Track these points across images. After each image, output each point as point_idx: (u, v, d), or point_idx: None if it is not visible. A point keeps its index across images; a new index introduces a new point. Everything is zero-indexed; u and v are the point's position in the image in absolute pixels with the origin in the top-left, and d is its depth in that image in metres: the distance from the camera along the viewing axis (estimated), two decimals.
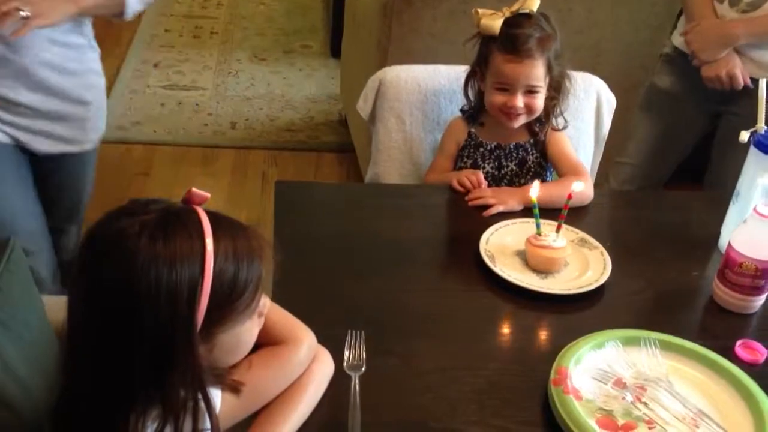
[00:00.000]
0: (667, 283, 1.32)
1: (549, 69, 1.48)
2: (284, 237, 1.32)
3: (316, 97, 3.56)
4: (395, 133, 1.74)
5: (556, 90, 1.52)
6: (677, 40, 1.96)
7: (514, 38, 1.46)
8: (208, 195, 0.90)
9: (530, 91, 1.48)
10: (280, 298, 1.16)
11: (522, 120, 1.52)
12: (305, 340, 0.99)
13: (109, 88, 3.44)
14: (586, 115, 1.80)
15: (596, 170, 1.88)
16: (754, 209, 1.18)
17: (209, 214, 0.86)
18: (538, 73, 1.47)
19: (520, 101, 1.48)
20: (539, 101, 1.50)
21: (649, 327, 1.17)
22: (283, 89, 3.61)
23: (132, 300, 0.78)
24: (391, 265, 1.30)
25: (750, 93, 1.83)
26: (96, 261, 0.81)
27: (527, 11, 1.54)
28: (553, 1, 2.43)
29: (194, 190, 0.89)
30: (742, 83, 1.80)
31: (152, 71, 3.65)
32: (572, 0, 2.44)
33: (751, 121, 1.85)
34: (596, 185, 1.94)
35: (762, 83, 1.36)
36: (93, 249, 0.82)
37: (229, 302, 0.85)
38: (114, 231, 0.81)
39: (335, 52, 3.72)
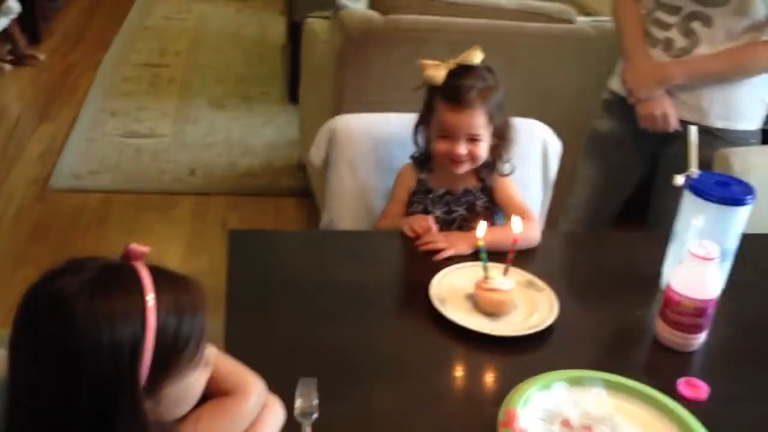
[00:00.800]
0: (613, 323, 1.36)
1: (490, 118, 1.54)
2: (237, 286, 1.34)
3: (275, 142, 3.60)
4: (348, 180, 1.78)
5: (500, 138, 1.58)
6: (615, 84, 2.04)
7: (456, 89, 1.52)
8: (147, 249, 0.90)
9: (472, 139, 1.54)
10: (232, 346, 1.18)
11: (466, 167, 1.57)
12: (254, 388, 0.99)
13: (65, 138, 3.44)
14: (533, 160, 1.86)
15: (546, 213, 1.94)
16: (689, 250, 1.23)
17: (150, 268, 0.87)
18: (478, 122, 1.53)
19: (462, 149, 1.54)
20: (482, 149, 1.55)
21: (595, 366, 1.20)
22: (242, 135, 3.65)
23: (73, 359, 0.79)
24: (344, 311, 1.31)
25: (682, 136, 1.91)
26: (34, 320, 0.82)
27: (471, 63, 1.61)
28: (501, 50, 2.52)
29: (132, 245, 0.89)
30: (673, 125, 1.88)
31: (110, 120, 3.66)
32: (519, 48, 2.53)
33: (684, 164, 1.94)
34: (549, 227, 2.01)
35: (692, 130, 1.43)
36: (32, 308, 0.83)
37: (173, 356, 0.85)
38: (53, 290, 0.82)
39: (294, 98, 3.77)
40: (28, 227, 2.81)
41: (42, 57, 4.16)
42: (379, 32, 2.44)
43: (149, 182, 3.19)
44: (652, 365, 1.29)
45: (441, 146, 1.55)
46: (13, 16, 3.93)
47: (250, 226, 2.97)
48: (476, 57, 1.60)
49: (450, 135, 1.54)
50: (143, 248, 0.89)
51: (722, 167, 1.83)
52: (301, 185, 3.17)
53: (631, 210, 2.25)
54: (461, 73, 1.56)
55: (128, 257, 0.88)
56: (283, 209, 3.11)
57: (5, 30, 4.00)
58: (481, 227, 1.34)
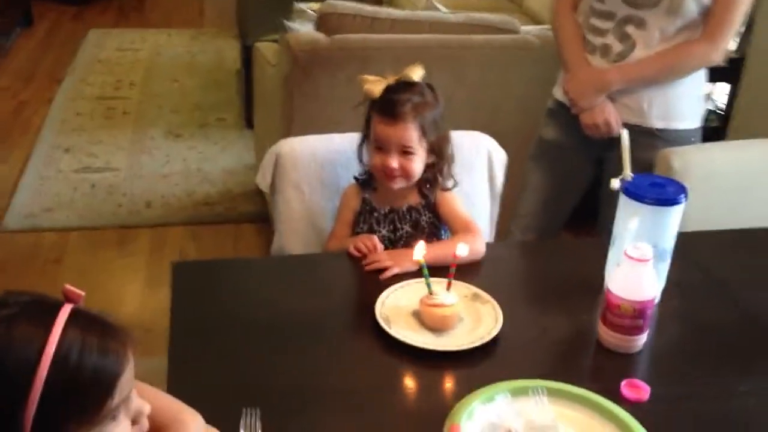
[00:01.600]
0: (559, 330, 1.37)
1: (423, 133, 1.56)
2: (181, 319, 1.32)
3: (233, 168, 3.59)
4: (295, 204, 1.78)
5: (437, 154, 1.59)
6: (558, 93, 2.07)
7: (390, 102, 1.55)
8: (82, 293, 0.87)
9: (405, 153, 1.56)
10: (175, 380, 1.17)
11: (401, 182, 1.59)
12: (191, 424, 0.98)
13: (18, 177, 3.40)
14: (479, 172, 1.87)
15: (495, 224, 1.95)
16: (625, 252, 1.25)
17: (78, 309, 0.84)
18: (410, 135, 1.55)
19: (394, 162, 1.56)
20: (415, 164, 1.56)
21: (541, 374, 1.21)
22: (199, 164, 3.63)
23: None
24: (290, 339, 1.31)
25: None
26: None
27: (410, 79, 1.62)
28: (448, 63, 2.55)
29: (67, 286, 0.86)
30: (616, 130, 1.91)
31: (63, 156, 3.62)
32: (466, 62, 2.56)
33: (632, 165, 1.96)
34: (500, 238, 2.02)
35: (623, 133, 1.45)
36: None
37: (73, 398, 0.80)
38: None
39: (250, 123, 3.77)
40: None
41: None
42: (324, 53, 2.46)
43: (105, 217, 3.16)
44: (596, 369, 1.30)
45: (375, 159, 1.58)
46: None
47: (209, 255, 2.95)
48: (415, 73, 1.62)
49: (383, 148, 1.56)
50: (79, 291, 0.86)
51: (663, 167, 1.86)
52: (259, 210, 3.16)
53: (581, 214, 2.28)
54: (397, 88, 1.58)
55: (64, 298, 0.87)
56: (242, 236, 3.09)
57: None
58: (419, 247, 1.35)
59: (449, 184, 1.63)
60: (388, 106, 1.55)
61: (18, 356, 0.79)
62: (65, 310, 0.83)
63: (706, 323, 1.40)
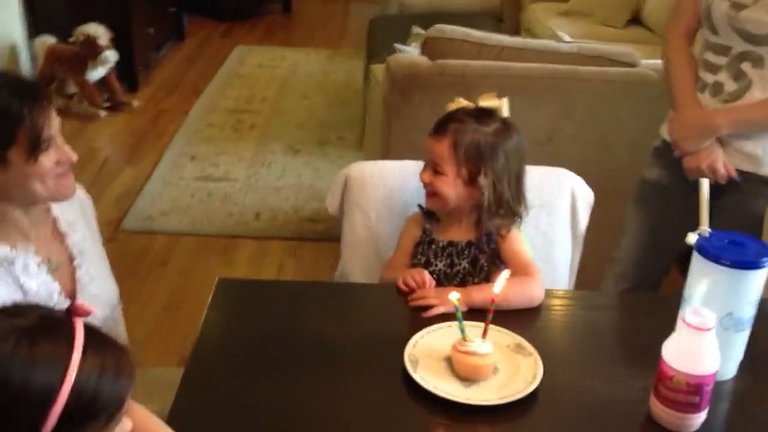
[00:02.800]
0: (605, 396, 1.22)
1: (456, 157, 1.48)
2: (209, 336, 1.31)
3: None
4: (361, 229, 1.73)
5: (494, 188, 1.48)
6: (665, 131, 1.89)
7: (441, 118, 1.52)
8: (93, 309, 0.91)
9: (436, 170, 1.50)
10: (184, 397, 1.15)
11: (434, 202, 1.54)
12: None
13: (145, 180, 3.60)
14: (561, 211, 1.74)
15: (576, 268, 1.80)
16: (682, 318, 1.10)
17: (87, 327, 0.87)
18: (440, 151, 1.49)
19: (426, 175, 1.52)
20: (444, 185, 1.50)
21: None
22: (312, 180, 3.68)
23: None
24: (312, 370, 1.25)
25: (737, 186, 1.74)
26: None
27: (488, 107, 1.54)
28: (555, 95, 2.42)
29: (78, 302, 0.90)
30: (725, 176, 1.71)
31: (188, 164, 3.79)
32: (574, 93, 2.41)
33: (739, 216, 1.75)
34: (580, 285, 1.86)
35: (703, 183, 1.29)
36: None
37: (87, 417, 0.84)
38: None
39: None
40: None
41: (136, 104, 4.39)
42: (424, 77, 2.40)
43: (214, 225, 3.26)
44: None
45: (420, 173, 1.55)
46: (111, 65, 4.18)
47: (306, 272, 2.97)
48: (486, 100, 1.53)
49: (425, 162, 1.54)
50: (90, 308, 0.90)
51: None
52: None
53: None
54: (467, 110, 1.50)
55: (72, 313, 0.89)
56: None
57: (104, 78, 4.26)
58: (454, 295, 1.25)
59: (509, 222, 1.51)
60: (437, 121, 1.53)
61: (40, 380, 0.81)
62: (80, 329, 0.85)
63: None
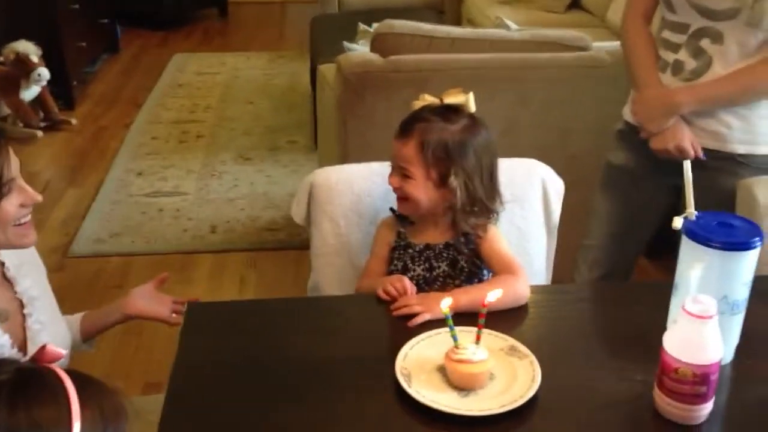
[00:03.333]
0: (607, 392, 1.18)
1: (423, 158, 1.42)
2: (185, 363, 1.22)
3: None
4: (330, 238, 1.66)
5: (443, 185, 1.43)
6: (627, 114, 1.87)
7: (406, 118, 1.46)
8: (63, 353, 0.86)
9: (404, 175, 1.45)
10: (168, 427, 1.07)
11: (406, 207, 1.49)
12: None
13: (91, 201, 3.45)
14: (534, 203, 1.70)
15: (552, 259, 1.77)
16: (682, 307, 1.06)
17: (69, 374, 0.79)
18: (406, 154, 1.44)
19: (394, 180, 1.47)
20: (414, 189, 1.44)
21: None
22: (266, 188, 3.58)
23: None
24: (297, 391, 1.18)
25: (704, 165, 1.72)
26: None
27: (454, 103, 1.48)
28: (511, 84, 2.39)
29: (48, 347, 0.83)
30: (692, 155, 1.69)
31: (135, 180, 3.65)
32: (530, 81, 2.38)
33: (710, 194, 1.74)
34: (557, 277, 1.83)
35: (685, 165, 1.26)
36: None
37: None
38: None
39: None
40: None
41: (74, 122, 4.21)
42: (378, 75, 2.34)
43: (169, 242, 3.14)
44: None
45: (388, 177, 1.49)
46: (43, 83, 4.01)
47: (269, 283, 2.89)
48: (451, 97, 1.48)
49: (392, 165, 1.49)
50: (59, 351, 0.84)
51: (745, 198, 1.64)
52: None
53: (662, 246, 2.06)
54: (431, 108, 1.45)
55: (42, 359, 0.82)
56: (303, 262, 2.99)
57: (38, 97, 4.08)
58: (446, 301, 1.19)
59: (485, 221, 1.46)
60: (402, 122, 1.47)
61: None
62: (68, 382, 0.79)
63: None
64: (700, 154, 1.71)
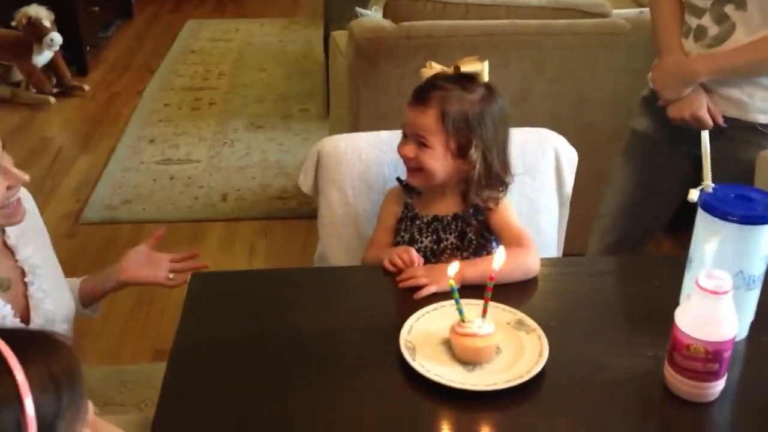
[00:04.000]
0: (617, 369, 1.15)
1: (444, 128, 1.37)
2: (186, 334, 1.21)
3: None
4: (338, 208, 1.63)
5: (462, 156, 1.39)
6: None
7: (419, 87, 1.40)
8: None
9: (421, 143, 1.39)
10: (165, 403, 1.06)
11: (419, 179, 1.43)
12: None
13: (102, 168, 3.44)
14: (546, 174, 1.66)
15: (563, 232, 1.73)
16: (696, 282, 1.02)
17: (4, 334, 0.74)
18: (425, 123, 1.38)
19: (409, 150, 1.40)
20: (430, 159, 1.39)
21: (592, 423, 1.03)
22: (277, 156, 3.56)
23: None
24: (300, 364, 1.16)
25: (724, 133, 1.67)
26: None
27: (468, 71, 1.44)
28: (527, 52, 2.33)
29: None
30: (711, 124, 1.64)
31: (147, 147, 3.63)
32: (545, 48, 2.32)
33: (729, 165, 1.69)
34: (569, 249, 1.79)
35: (703, 135, 1.21)
36: None
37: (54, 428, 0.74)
38: None
39: None
40: None
41: (87, 88, 4.20)
42: (390, 41, 2.29)
43: (180, 210, 3.13)
44: (660, 421, 1.08)
45: (398, 146, 1.44)
46: (56, 48, 3.98)
47: (279, 252, 2.87)
48: (468, 65, 1.43)
49: (406, 134, 1.42)
50: None
51: (765, 170, 1.59)
52: None
53: (678, 219, 2.02)
54: (446, 76, 1.40)
55: None
56: (313, 231, 2.96)
57: (50, 62, 4.05)
58: (453, 266, 1.16)
59: (497, 193, 1.43)
60: (417, 90, 1.40)
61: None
62: (4, 347, 0.73)
63: None
64: (720, 121, 1.66)
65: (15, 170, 1.16)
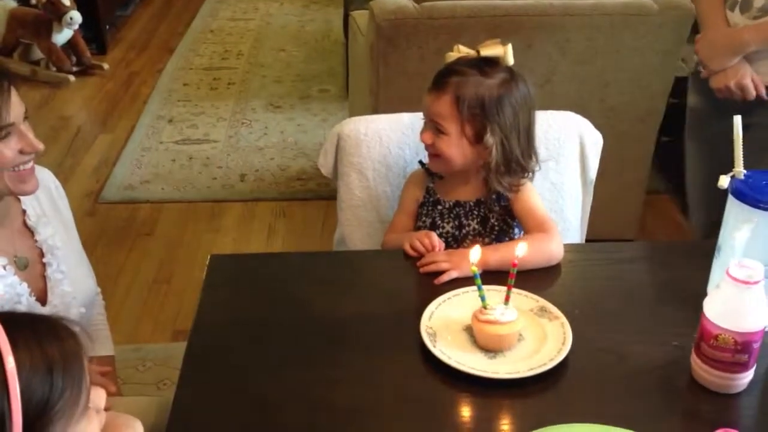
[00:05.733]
0: (642, 358, 1.13)
1: (459, 113, 1.34)
2: (206, 316, 1.20)
3: None
4: (358, 191, 1.61)
5: (479, 142, 1.36)
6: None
7: (440, 71, 1.38)
8: None
9: (438, 130, 1.37)
10: (183, 383, 1.06)
11: (439, 165, 1.42)
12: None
13: (122, 147, 3.44)
14: (570, 158, 1.63)
15: (587, 217, 1.70)
16: (727, 272, 1.00)
17: (3, 317, 0.73)
18: (441, 109, 1.36)
19: (427, 136, 1.39)
20: (447, 146, 1.37)
21: (616, 413, 1.00)
22: (296, 136, 3.54)
23: None
24: (318, 349, 1.15)
25: (766, 104, 1.65)
26: None
27: (491, 56, 1.40)
28: (551, 33, 2.29)
29: None
30: (754, 93, 1.63)
31: (166, 127, 3.63)
32: (569, 29, 2.28)
33: None
34: (595, 234, 1.76)
35: (736, 120, 1.18)
36: None
37: (48, 416, 0.73)
38: None
39: None
40: None
41: (106, 67, 4.19)
42: (411, 22, 2.26)
43: (199, 190, 3.13)
44: (685, 412, 1.06)
45: (420, 133, 1.42)
46: (75, 26, 3.97)
47: (297, 234, 2.86)
48: (488, 49, 1.40)
49: (425, 120, 1.41)
50: None
51: None
52: None
53: None
54: (467, 61, 1.37)
55: None
56: (332, 213, 2.96)
57: (69, 41, 4.05)
58: (475, 251, 1.15)
59: (518, 180, 1.40)
60: (436, 76, 1.38)
61: None
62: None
63: None
64: (762, 91, 1.66)
65: (31, 137, 1.16)
